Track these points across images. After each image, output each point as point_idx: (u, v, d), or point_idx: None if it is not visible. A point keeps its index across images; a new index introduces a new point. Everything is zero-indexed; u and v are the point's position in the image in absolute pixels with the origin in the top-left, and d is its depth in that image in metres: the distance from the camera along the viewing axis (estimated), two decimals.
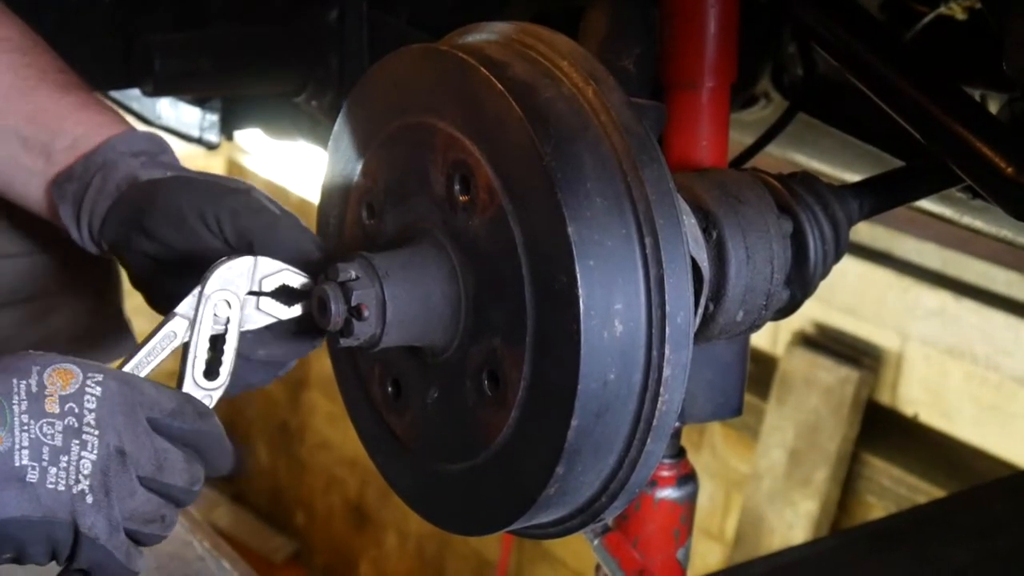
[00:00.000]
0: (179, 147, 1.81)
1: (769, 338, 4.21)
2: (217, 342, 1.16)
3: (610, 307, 1.06)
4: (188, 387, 1.15)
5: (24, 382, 1.06)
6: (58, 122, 1.35)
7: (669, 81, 1.47)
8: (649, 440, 1.11)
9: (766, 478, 4.16)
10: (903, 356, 3.94)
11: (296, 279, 1.19)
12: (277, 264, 1.18)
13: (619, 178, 1.09)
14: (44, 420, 1.05)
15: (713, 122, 1.47)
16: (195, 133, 2.27)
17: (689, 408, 1.58)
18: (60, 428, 1.05)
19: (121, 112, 1.45)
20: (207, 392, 1.16)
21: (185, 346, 1.16)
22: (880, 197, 1.50)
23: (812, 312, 4.10)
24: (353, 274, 1.13)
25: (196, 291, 1.15)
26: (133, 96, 2.29)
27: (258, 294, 1.17)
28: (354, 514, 6.41)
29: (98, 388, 1.08)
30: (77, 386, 1.07)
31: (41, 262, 1.63)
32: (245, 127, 2.32)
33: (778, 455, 4.12)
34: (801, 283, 1.38)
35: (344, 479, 6.43)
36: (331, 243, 1.30)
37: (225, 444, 1.15)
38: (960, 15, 1.61)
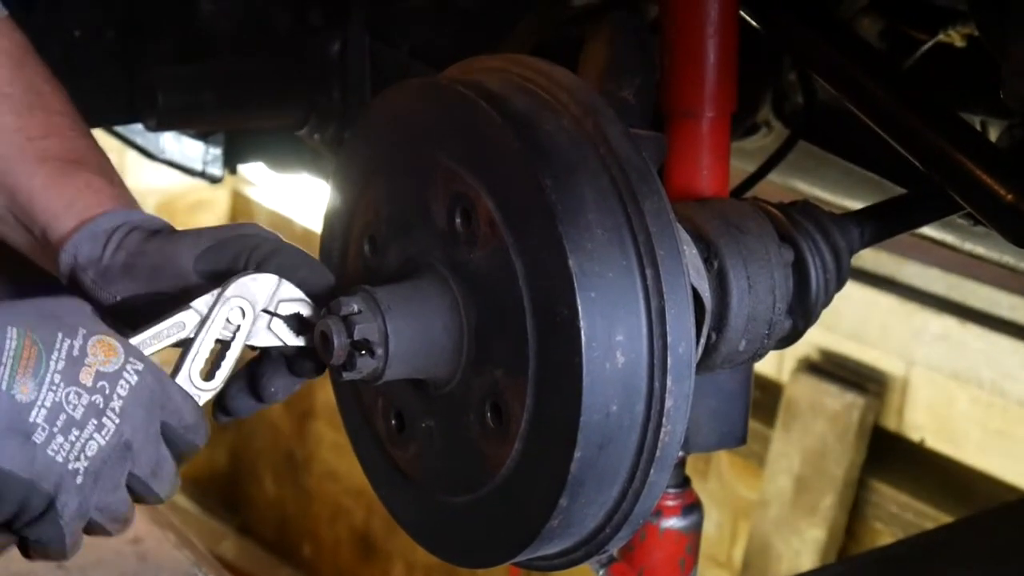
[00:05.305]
0: (183, 181, 1.81)
1: (774, 365, 4.20)
2: (221, 347, 1.16)
3: (612, 339, 1.06)
4: (182, 380, 1.14)
5: (69, 341, 1.05)
6: (29, 204, 1.24)
7: (669, 111, 1.48)
8: (652, 471, 1.11)
9: (773, 505, 4.14)
10: (908, 381, 3.93)
11: (309, 311, 1.19)
12: (298, 293, 1.18)
13: (619, 210, 1.09)
14: (74, 388, 1.04)
15: (714, 151, 1.47)
16: (198, 167, 2.28)
17: (693, 437, 1.58)
18: (85, 402, 1.04)
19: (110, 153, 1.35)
20: (198, 391, 1.15)
21: (190, 341, 1.15)
22: (881, 225, 1.50)
23: (817, 338, 4.09)
24: (355, 308, 1.13)
25: (216, 291, 1.15)
26: (137, 131, 2.30)
27: (272, 314, 1.18)
28: (361, 544, 6.39)
29: (135, 377, 1.07)
30: (116, 367, 1.06)
31: None
32: (248, 160, 2.33)
33: (785, 482, 4.11)
34: (803, 312, 1.38)
35: (351, 509, 6.41)
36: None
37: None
38: (959, 42, 1.61)
